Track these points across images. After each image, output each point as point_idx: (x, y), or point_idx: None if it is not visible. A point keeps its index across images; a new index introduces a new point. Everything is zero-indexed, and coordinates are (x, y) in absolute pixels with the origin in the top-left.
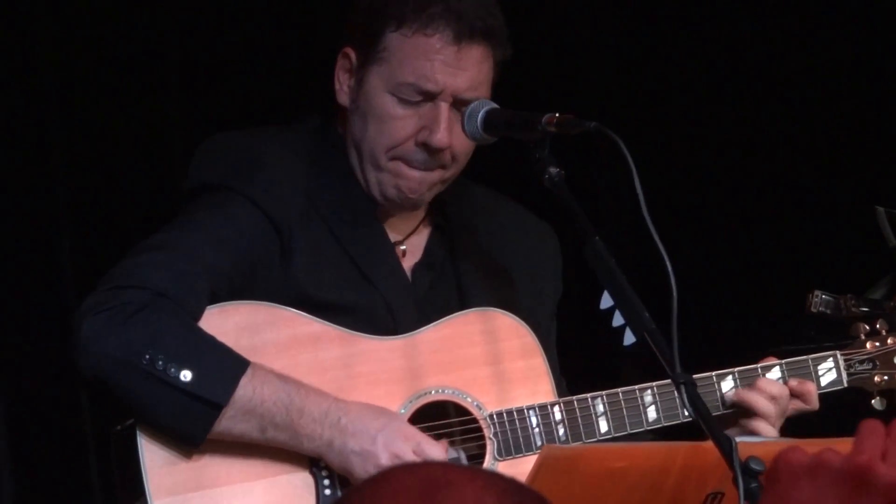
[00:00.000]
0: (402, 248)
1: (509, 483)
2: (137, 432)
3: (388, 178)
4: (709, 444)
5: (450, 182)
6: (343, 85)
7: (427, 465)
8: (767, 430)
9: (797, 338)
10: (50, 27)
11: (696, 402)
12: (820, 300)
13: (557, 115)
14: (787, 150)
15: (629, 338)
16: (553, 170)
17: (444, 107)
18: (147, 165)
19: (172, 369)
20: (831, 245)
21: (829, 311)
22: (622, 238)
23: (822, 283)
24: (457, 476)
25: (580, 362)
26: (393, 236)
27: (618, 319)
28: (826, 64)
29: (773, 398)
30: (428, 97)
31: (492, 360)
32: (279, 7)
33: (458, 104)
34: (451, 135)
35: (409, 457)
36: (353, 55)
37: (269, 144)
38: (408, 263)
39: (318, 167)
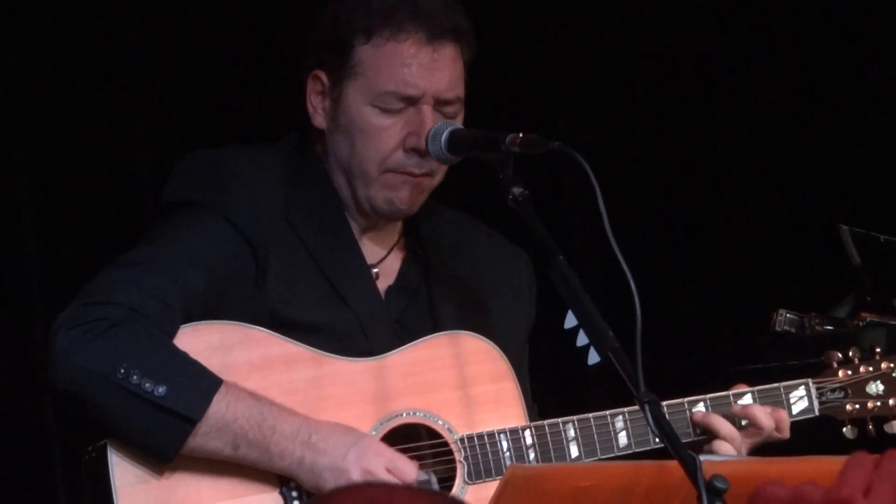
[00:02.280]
0: (375, 270)
1: None
2: (108, 451)
3: (380, 191)
4: (674, 463)
5: (432, 189)
6: (317, 108)
7: (369, 486)
8: (731, 453)
9: (762, 356)
10: (15, 49)
11: (660, 420)
12: (784, 319)
13: (521, 134)
14: (750, 169)
15: (593, 357)
16: (517, 189)
17: (427, 109)
18: (113, 179)
19: (147, 384)
20: (796, 264)
21: (793, 330)
22: (587, 257)
23: (787, 302)
24: (398, 497)
25: (546, 382)
26: (367, 259)
27: (582, 339)
28: (789, 85)
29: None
30: (410, 102)
31: (463, 384)
32: (246, 23)
33: (439, 105)
34: None
35: (381, 472)
36: (323, 77)
37: (247, 162)
38: (381, 286)
39: (295, 185)
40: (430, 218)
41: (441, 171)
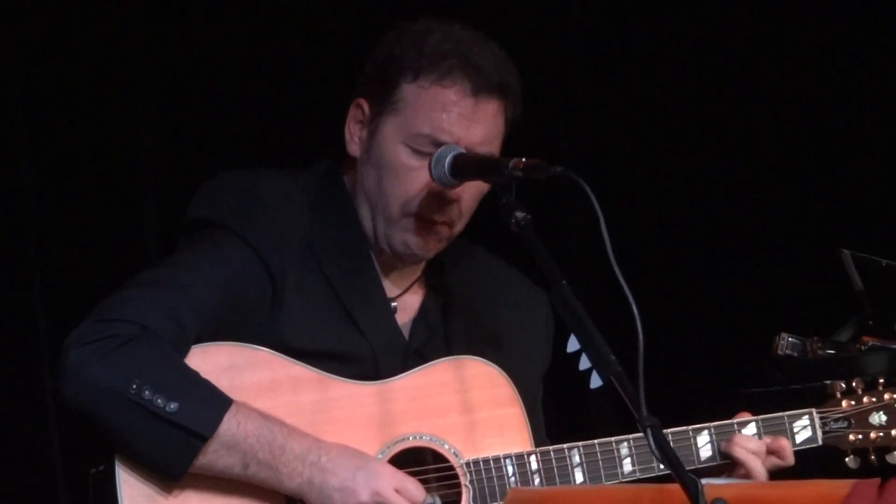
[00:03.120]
0: (394, 304)
1: None
2: (116, 468)
3: (399, 233)
4: (675, 486)
5: (452, 238)
6: (354, 136)
7: None
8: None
9: (764, 380)
10: (18, 70)
11: (661, 443)
12: (786, 342)
13: (524, 159)
14: (753, 193)
15: (596, 381)
16: (520, 214)
17: None
18: (116, 189)
19: (159, 400)
20: (797, 288)
21: (795, 354)
22: (589, 280)
23: (789, 326)
24: None
25: (549, 406)
26: (387, 293)
27: (584, 363)
28: (793, 108)
29: (752, 453)
30: None
31: (469, 408)
32: (248, 27)
33: None
34: (463, 188)
35: (390, 493)
36: (365, 106)
37: (274, 188)
38: (401, 320)
39: (320, 213)
40: (452, 256)
41: (462, 221)
